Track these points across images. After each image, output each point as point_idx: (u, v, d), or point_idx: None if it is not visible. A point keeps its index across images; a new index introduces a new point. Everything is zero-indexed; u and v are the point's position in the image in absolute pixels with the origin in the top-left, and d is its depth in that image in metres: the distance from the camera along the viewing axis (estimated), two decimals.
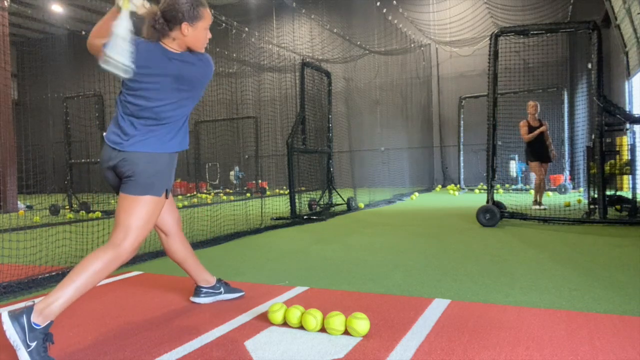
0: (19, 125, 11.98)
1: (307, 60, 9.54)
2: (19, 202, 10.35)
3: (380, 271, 3.49)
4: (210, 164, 16.14)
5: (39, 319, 1.89)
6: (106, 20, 2.32)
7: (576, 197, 9.31)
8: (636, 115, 5.96)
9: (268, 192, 14.02)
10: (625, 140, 7.35)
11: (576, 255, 3.91)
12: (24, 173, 10.16)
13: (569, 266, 3.50)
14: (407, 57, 14.33)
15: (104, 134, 2.31)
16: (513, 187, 12.26)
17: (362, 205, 8.86)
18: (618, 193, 6.69)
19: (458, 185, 14.28)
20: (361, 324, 2.15)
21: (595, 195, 5.85)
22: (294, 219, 6.99)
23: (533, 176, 9.63)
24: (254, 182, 15.00)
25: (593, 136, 5.81)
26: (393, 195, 10.82)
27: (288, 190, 7.46)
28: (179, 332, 2.30)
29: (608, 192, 5.96)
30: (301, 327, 2.29)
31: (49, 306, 1.92)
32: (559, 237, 4.87)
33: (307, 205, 8.05)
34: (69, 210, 9.53)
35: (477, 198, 10.08)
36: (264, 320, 2.42)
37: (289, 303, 2.59)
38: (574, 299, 2.67)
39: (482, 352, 1.95)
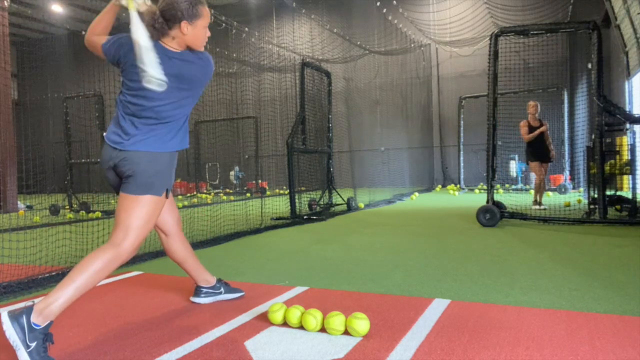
0: (19, 125, 11.97)
1: (307, 60, 9.53)
2: (19, 202, 10.35)
3: (380, 271, 3.49)
4: (210, 164, 16.14)
5: (38, 319, 1.89)
6: (103, 16, 2.33)
7: (576, 197, 9.31)
8: (636, 115, 5.96)
9: (268, 192, 14.02)
10: (625, 140, 7.35)
11: (576, 255, 3.91)
12: (24, 173, 10.15)
13: (569, 266, 3.50)
14: (407, 57, 14.33)
15: (104, 134, 2.31)
16: (513, 187, 12.26)
17: (362, 205, 8.86)
18: (618, 193, 6.69)
19: (458, 185, 14.28)
20: (361, 324, 2.15)
21: (595, 195, 5.85)
22: (294, 219, 6.99)
23: (533, 176, 9.63)
24: (254, 182, 15.00)
25: (593, 136, 5.81)
26: (393, 195, 10.82)
27: (288, 190, 7.45)
28: (179, 332, 2.30)
29: (608, 192, 5.96)
30: (301, 327, 2.29)
31: (48, 306, 1.92)
32: (559, 237, 4.87)
33: (307, 205, 8.05)
34: (69, 210, 9.53)
35: (477, 198, 10.08)
36: (264, 320, 2.42)
37: (289, 303, 2.59)
38: (574, 299, 2.67)
39: (482, 352, 1.95)
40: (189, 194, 14.72)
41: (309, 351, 2.02)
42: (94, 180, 14.13)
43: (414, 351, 1.98)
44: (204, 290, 2.77)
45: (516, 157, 12.08)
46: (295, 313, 2.30)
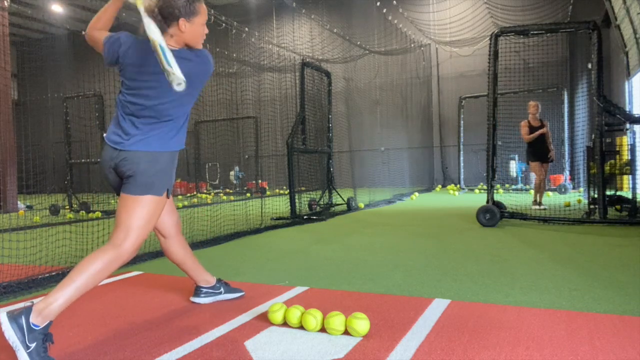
0: (19, 125, 11.97)
1: (307, 60, 9.53)
2: (19, 202, 10.35)
3: (380, 271, 3.49)
4: (210, 164, 16.14)
5: (37, 320, 1.88)
6: (105, 10, 2.33)
7: (576, 197, 9.31)
8: (636, 115, 5.96)
9: (268, 192, 14.02)
10: (625, 140, 7.35)
11: (576, 255, 3.91)
12: (24, 173, 10.15)
13: (569, 266, 3.50)
14: (407, 57, 14.33)
15: (105, 134, 2.31)
16: (513, 187, 12.25)
17: (362, 205, 8.86)
18: (618, 193, 6.69)
19: (458, 185, 14.28)
20: (361, 324, 2.15)
21: (595, 195, 5.85)
22: (294, 219, 6.99)
23: (533, 176, 9.63)
24: (254, 182, 15.00)
25: (593, 136, 5.81)
26: (393, 195, 10.82)
27: (288, 190, 7.45)
28: (179, 332, 2.30)
29: (608, 192, 5.96)
30: (301, 327, 2.29)
31: (48, 307, 1.91)
32: (559, 237, 4.87)
33: (307, 205, 8.05)
34: (69, 210, 9.54)
35: (477, 198, 10.08)
36: (264, 320, 2.42)
37: (289, 303, 2.59)
38: (574, 299, 2.67)
39: (482, 352, 1.95)
40: (189, 194, 14.72)
41: (309, 351, 2.02)
42: (94, 180, 14.13)
43: (414, 351, 1.98)
44: (204, 290, 2.77)
45: (516, 157, 12.08)
46: (295, 313, 2.30)
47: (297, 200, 7.39)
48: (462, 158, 14.05)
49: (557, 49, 12.96)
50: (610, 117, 5.63)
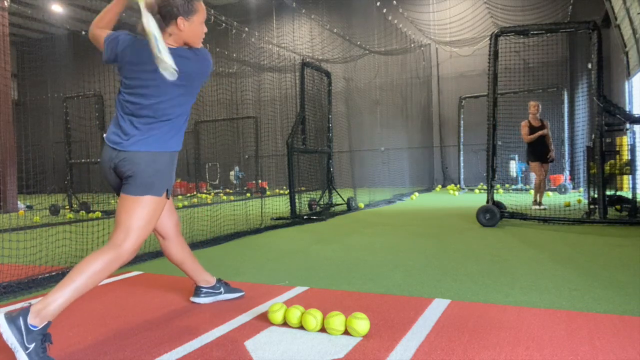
0: (19, 125, 11.98)
1: (307, 60, 9.54)
2: (19, 202, 10.35)
3: (380, 271, 3.49)
4: (210, 164, 16.14)
5: (36, 320, 1.87)
6: (108, 11, 2.35)
7: (576, 197, 9.31)
8: (636, 115, 5.96)
9: (268, 192, 14.02)
10: (625, 140, 7.35)
11: (576, 255, 3.91)
12: (24, 173, 10.16)
13: (569, 266, 3.50)
14: (407, 57, 14.33)
15: (104, 135, 2.31)
16: (513, 187, 12.26)
17: (362, 205, 8.86)
18: (618, 193, 6.69)
19: (458, 185, 14.28)
20: (361, 324, 2.15)
21: (595, 195, 5.85)
22: (294, 219, 6.99)
23: (533, 176, 9.63)
24: (254, 182, 15.00)
25: (593, 136, 5.81)
26: (393, 195, 10.82)
27: (288, 190, 7.45)
28: (179, 332, 2.30)
29: (608, 192, 5.96)
30: (301, 327, 2.29)
31: (46, 307, 1.90)
32: (559, 237, 4.87)
33: (307, 205, 8.05)
34: (69, 210, 9.54)
35: (477, 198, 10.08)
36: (264, 320, 2.42)
37: (289, 303, 2.59)
38: (574, 299, 2.67)
39: (482, 352, 1.95)
40: (189, 194, 14.72)
41: (309, 351, 2.02)
42: (94, 180, 14.13)
43: (414, 351, 1.98)
44: (204, 290, 2.77)
45: (516, 157, 12.08)
46: (295, 313, 2.30)
47: (297, 200, 7.39)
48: (462, 158, 14.05)
49: (557, 49, 12.96)
50: (610, 117, 5.63)
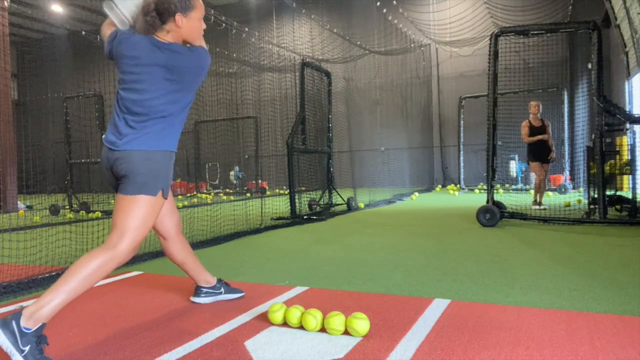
0: (19, 125, 11.99)
1: (307, 60, 9.54)
2: (19, 202, 10.35)
3: (380, 271, 3.49)
4: (210, 164, 16.14)
5: (29, 323, 1.86)
6: None
7: (576, 197, 9.31)
8: (636, 115, 5.96)
9: (268, 192, 14.02)
10: (625, 140, 7.35)
11: (576, 255, 3.91)
12: (24, 173, 10.17)
13: (569, 266, 3.50)
14: (407, 57, 14.33)
15: (104, 135, 2.31)
16: (513, 187, 12.26)
17: (362, 205, 8.86)
18: (618, 193, 6.69)
19: (458, 185, 14.29)
20: (361, 324, 2.15)
21: (595, 195, 5.85)
22: (294, 219, 6.99)
23: (533, 176, 9.63)
24: (254, 182, 15.00)
25: (593, 136, 5.81)
26: (393, 195, 10.82)
27: (288, 190, 7.45)
28: (179, 332, 2.30)
29: (608, 192, 5.96)
30: (301, 327, 2.29)
31: (39, 310, 1.89)
32: (559, 237, 4.87)
33: (307, 205, 8.05)
34: (69, 210, 9.54)
35: (477, 198, 10.08)
36: (264, 320, 2.42)
37: (289, 303, 2.59)
38: (574, 299, 2.67)
39: (482, 352, 1.95)
40: (189, 194, 14.72)
41: (309, 351, 2.02)
42: (94, 180, 14.14)
43: (414, 351, 1.98)
44: (204, 290, 2.77)
45: (516, 157, 12.09)
46: (295, 313, 2.30)
47: (297, 200, 7.39)
48: (462, 158, 14.05)
49: (557, 49, 12.96)
50: (610, 117, 5.63)
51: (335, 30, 13.10)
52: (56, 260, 4.12)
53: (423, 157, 14.79)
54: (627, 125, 6.20)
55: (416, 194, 11.44)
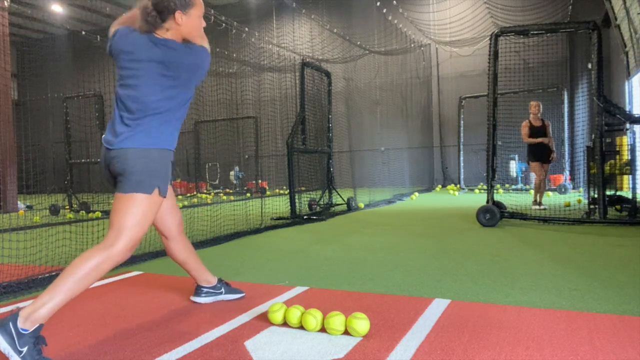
0: (19, 125, 11.98)
1: (307, 60, 9.54)
2: (19, 202, 10.35)
3: (380, 271, 3.49)
4: (210, 164, 16.14)
5: (26, 324, 1.86)
6: (130, 16, 2.39)
7: (576, 197, 9.31)
8: (636, 115, 5.96)
9: (268, 192, 14.02)
10: (625, 140, 7.35)
11: (576, 255, 3.91)
12: (24, 173, 10.16)
13: (569, 266, 3.50)
14: (407, 57, 14.33)
15: (103, 135, 2.31)
16: (513, 187, 12.26)
17: (362, 205, 8.86)
18: (618, 193, 6.69)
19: (458, 185, 14.28)
20: (361, 324, 2.15)
21: (595, 195, 5.85)
22: (294, 219, 6.99)
23: (533, 176, 9.63)
24: (254, 182, 15.00)
25: (593, 136, 5.81)
26: (393, 195, 10.82)
27: (288, 190, 7.45)
28: (179, 332, 2.30)
29: (608, 192, 5.96)
30: (301, 327, 2.28)
31: (36, 311, 1.88)
32: (559, 237, 4.87)
33: (307, 205, 8.05)
34: (69, 210, 9.54)
35: (477, 198, 10.08)
36: (264, 320, 2.42)
37: (289, 303, 2.59)
38: (574, 299, 2.67)
39: (482, 352, 1.95)
40: (189, 194, 14.71)
41: (309, 351, 2.02)
42: (94, 180, 14.13)
43: (414, 351, 1.98)
44: (205, 290, 2.77)
45: (516, 157, 12.09)
46: (295, 313, 2.30)
47: (297, 200, 7.39)
48: (462, 158, 14.05)
49: (557, 49, 12.96)
50: (610, 117, 5.63)
51: (335, 30, 13.11)
52: (56, 260, 4.12)
53: (423, 157, 14.79)
54: (627, 125, 6.20)
55: (416, 194, 11.44)
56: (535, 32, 6.08)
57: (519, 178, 12.49)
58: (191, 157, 15.63)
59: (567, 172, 11.68)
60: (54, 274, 3.51)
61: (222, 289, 2.81)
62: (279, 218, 7.08)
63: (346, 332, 2.19)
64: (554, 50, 12.09)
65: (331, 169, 8.66)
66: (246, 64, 13.83)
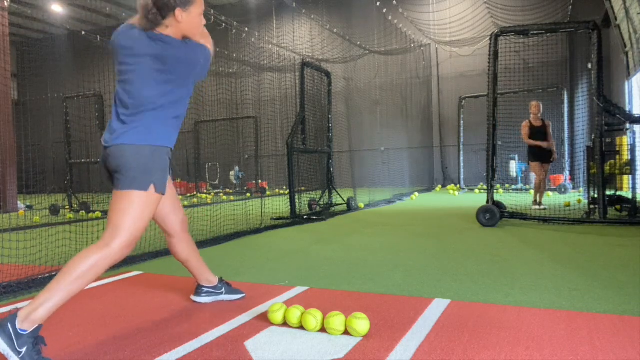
0: (19, 125, 11.99)
1: (307, 60, 9.54)
2: (19, 202, 10.35)
3: (380, 271, 3.49)
4: (210, 164, 16.14)
5: (25, 325, 1.86)
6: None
7: (576, 197, 9.31)
8: (636, 115, 5.96)
9: (268, 192, 14.02)
10: (625, 140, 7.35)
11: (576, 255, 3.91)
12: (24, 173, 10.17)
13: (569, 266, 3.50)
14: (407, 57, 14.34)
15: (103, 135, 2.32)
16: (513, 187, 12.26)
17: (362, 205, 8.86)
18: (618, 193, 6.69)
19: (458, 185, 14.29)
20: (361, 324, 2.15)
21: (595, 195, 5.85)
22: (294, 219, 6.99)
23: (533, 176, 9.64)
24: (254, 182, 15.00)
25: (593, 136, 5.81)
26: (393, 195, 10.82)
27: (288, 190, 7.46)
28: (179, 332, 2.30)
29: (608, 192, 5.96)
30: (301, 327, 2.29)
31: (34, 311, 1.88)
32: (559, 237, 4.87)
33: (307, 205, 8.05)
34: (69, 210, 9.54)
35: (477, 198, 10.08)
36: (264, 320, 2.42)
37: (289, 303, 2.59)
38: (574, 299, 2.67)
39: (482, 352, 1.95)
40: (189, 194, 14.72)
41: (309, 351, 2.02)
42: (94, 180, 14.14)
43: (414, 351, 1.98)
44: (205, 289, 2.77)
45: (516, 157, 12.09)
46: (295, 313, 2.30)
47: (297, 200, 7.39)
48: (462, 158, 14.05)
49: (557, 49, 12.97)
50: (610, 117, 5.63)
51: (335, 30, 13.11)
52: (56, 260, 4.11)
53: (423, 157, 14.79)
54: (627, 125, 6.20)
55: (416, 194, 11.44)
56: (535, 32, 6.08)
57: (519, 178, 12.49)
58: (191, 157, 15.64)
59: (567, 172, 11.68)
60: (53, 274, 3.50)
61: (223, 289, 2.81)
62: (279, 218, 7.08)
63: (346, 332, 2.19)
64: (554, 50, 12.10)
65: (331, 169, 8.66)
66: (246, 64, 13.84)
